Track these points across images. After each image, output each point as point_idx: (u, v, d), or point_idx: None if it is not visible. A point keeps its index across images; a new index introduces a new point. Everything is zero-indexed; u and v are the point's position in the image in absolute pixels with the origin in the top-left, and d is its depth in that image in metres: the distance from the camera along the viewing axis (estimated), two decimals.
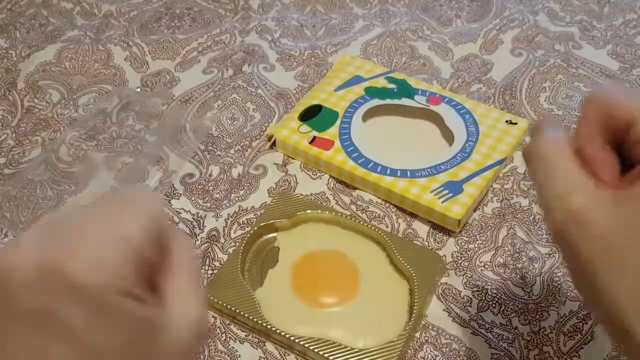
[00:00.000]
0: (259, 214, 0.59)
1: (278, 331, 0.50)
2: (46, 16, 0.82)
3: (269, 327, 0.50)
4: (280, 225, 0.58)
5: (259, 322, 0.50)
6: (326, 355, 0.48)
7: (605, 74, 0.72)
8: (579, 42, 0.76)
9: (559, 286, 0.54)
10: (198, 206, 0.60)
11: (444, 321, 0.52)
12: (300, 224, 0.58)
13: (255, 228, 0.57)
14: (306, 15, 0.82)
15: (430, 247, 0.57)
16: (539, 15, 0.80)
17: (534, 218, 0.58)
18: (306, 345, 0.49)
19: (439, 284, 0.54)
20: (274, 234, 0.58)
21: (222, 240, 0.58)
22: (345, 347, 0.49)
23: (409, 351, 0.50)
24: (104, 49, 0.76)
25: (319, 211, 0.58)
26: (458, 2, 0.82)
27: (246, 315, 0.51)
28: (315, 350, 0.49)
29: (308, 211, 0.58)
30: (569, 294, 0.53)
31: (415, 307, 0.51)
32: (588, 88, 0.70)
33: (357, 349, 0.49)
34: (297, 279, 0.54)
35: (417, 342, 0.51)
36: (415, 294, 0.52)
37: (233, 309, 0.51)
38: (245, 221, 0.59)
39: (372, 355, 0.48)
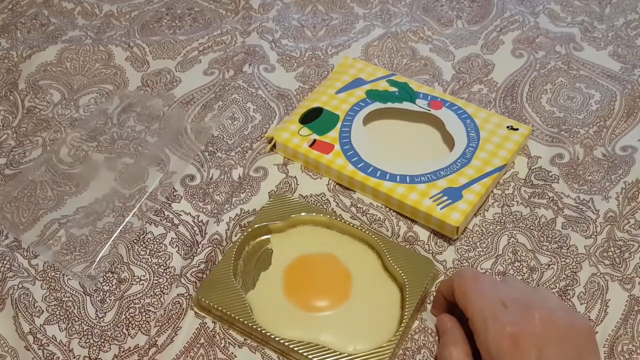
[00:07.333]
0: (254, 216, 0.59)
1: (267, 333, 0.50)
2: (47, 16, 0.81)
3: (258, 328, 0.50)
4: (274, 227, 0.58)
5: (249, 324, 0.50)
6: (315, 359, 0.49)
7: (606, 75, 0.72)
8: (580, 44, 0.75)
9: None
10: (198, 209, 0.61)
11: None
12: (295, 226, 0.58)
13: (249, 230, 0.57)
14: (307, 15, 0.81)
15: (430, 251, 0.57)
16: (540, 16, 0.79)
17: (535, 224, 0.59)
18: (295, 349, 0.49)
19: (433, 289, 0.54)
20: (268, 236, 0.58)
21: (224, 243, 0.58)
22: (335, 351, 0.49)
23: (407, 353, 0.51)
24: (105, 49, 0.76)
25: (314, 214, 0.58)
26: (459, 3, 0.82)
27: (237, 317, 0.51)
28: (304, 353, 0.49)
29: (302, 214, 0.58)
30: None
31: (405, 313, 0.51)
32: (589, 89, 0.70)
33: (346, 354, 0.49)
34: (289, 282, 0.54)
35: (415, 344, 0.51)
36: (407, 299, 0.52)
37: (224, 311, 0.51)
38: (247, 224, 0.59)
39: None
